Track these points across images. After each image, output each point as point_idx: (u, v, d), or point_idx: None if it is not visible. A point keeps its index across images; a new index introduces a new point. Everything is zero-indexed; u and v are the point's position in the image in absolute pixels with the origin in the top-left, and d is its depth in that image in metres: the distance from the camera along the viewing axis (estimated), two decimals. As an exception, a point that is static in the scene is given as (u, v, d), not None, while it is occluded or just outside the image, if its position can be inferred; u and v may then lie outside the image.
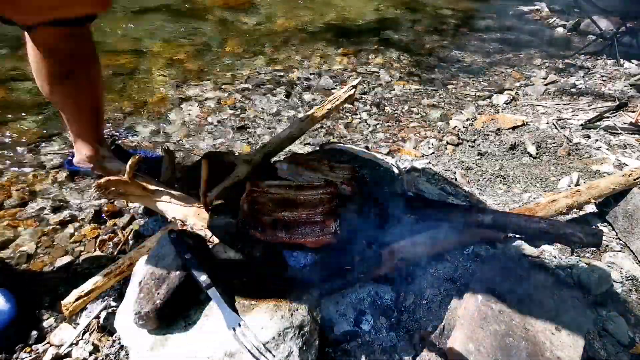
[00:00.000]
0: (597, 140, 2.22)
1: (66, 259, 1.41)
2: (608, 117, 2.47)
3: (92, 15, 1.30)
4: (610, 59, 3.46)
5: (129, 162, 1.23)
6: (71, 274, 1.36)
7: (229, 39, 3.33)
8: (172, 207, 1.27)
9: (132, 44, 3.04)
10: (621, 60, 3.37)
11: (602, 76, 3.14)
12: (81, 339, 1.15)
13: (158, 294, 0.93)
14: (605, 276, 1.28)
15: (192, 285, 0.96)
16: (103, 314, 1.19)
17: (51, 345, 1.14)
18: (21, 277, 1.35)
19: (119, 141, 2.00)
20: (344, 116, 2.43)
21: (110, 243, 1.49)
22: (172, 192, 1.32)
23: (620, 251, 1.46)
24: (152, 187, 1.31)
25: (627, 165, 1.98)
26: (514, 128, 2.34)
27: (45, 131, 2.05)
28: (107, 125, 2.13)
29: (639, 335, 1.16)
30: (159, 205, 1.31)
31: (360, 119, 2.43)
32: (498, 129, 2.33)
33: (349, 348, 1.00)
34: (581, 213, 1.64)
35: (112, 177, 1.25)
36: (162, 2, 3.88)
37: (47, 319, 1.21)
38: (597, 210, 1.64)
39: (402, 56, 3.31)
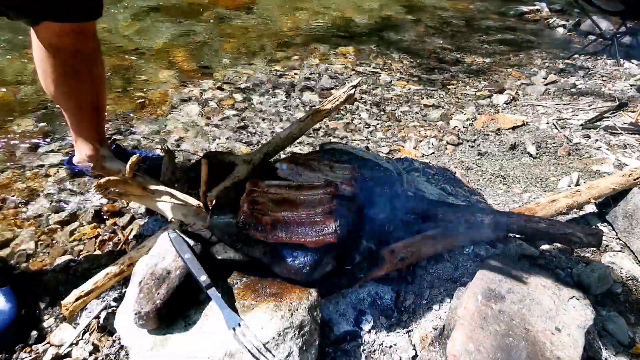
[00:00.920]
0: (597, 140, 2.22)
1: (66, 258, 1.41)
2: (608, 117, 2.47)
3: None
4: (610, 59, 3.46)
5: (129, 162, 1.23)
6: (71, 274, 1.36)
7: (229, 38, 3.33)
8: (172, 207, 1.27)
9: (132, 43, 3.04)
10: (621, 60, 3.37)
11: (602, 76, 3.15)
12: (81, 339, 1.15)
13: (158, 294, 0.93)
14: (605, 276, 1.28)
15: (192, 285, 0.96)
16: (103, 314, 1.19)
17: (51, 345, 1.14)
18: (21, 277, 1.35)
19: (119, 141, 2.00)
20: (344, 116, 2.43)
21: (110, 243, 1.48)
22: (172, 192, 1.31)
23: (620, 251, 1.46)
24: (152, 187, 1.31)
25: (627, 165, 1.98)
26: (514, 128, 2.34)
27: (45, 130, 2.05)
28: (108, 124, 2.13)
29: (639, 335, 1.16)
30: (159, 205, 1.30)
31: (360, 119, 2.43)
32: (498, 129, 2.33)
33: (349, 348, 1.00)
34: (581, 213, 1.64)
35: (112, 177, 1.25)
36: (163, 2, 3.88)
37: (47, 319, 1.21)
38: (597, 210, 1.64)
39: (402, 56, 3.31)
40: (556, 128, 2.34)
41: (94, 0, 1.32)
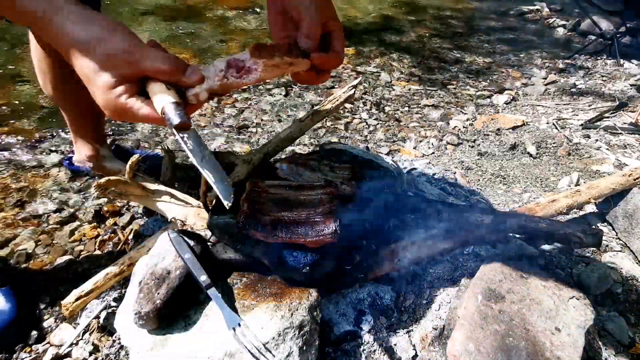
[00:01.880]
0: (597, 140, 2.22)
1: (66, 258, 1.41)
2: (608, 117, 2.47)
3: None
4: (610, 59, 3.46)
5: (129, 162, 1.23)
6: (71, 274, 1.36)
7: (230, 39, 3.33)
8: (172, 207, 1.27)
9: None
10: (621, 60, 3.37)
11: (602, 76, 3.15)
12: (81, 339, 1.15)
13: (158, 294, 0.93)
14: (605, 276, 1.28)
15: (192, 285, 0.96)
16: (103, 314, 1.19)
17: (51, 345, 1.14)
18: (21, 277, 1.35)
19: (119, 141, 2.00)
20: (344, 116, 2.43)
21: (110, 243, 1.49)
22: (172, 192, 1.31)
23: (620, 251, 1.46)
24: (152, 187, 1.31)
25: (627, 165, 1.98)
26: (514, 128, 2.34)
27: (45, 130, 2.05)
28: (107, 124, 2.13)
29: (639, 335, 1.16)
30: (159, 205, 1.30)
31: (360, 119, 2.43)
32: (498, 129, 2.33)
33: (349, 348, 1.00)
34: (581, 213, 1.64)
35: (112, 177, 1.25)
36: (164, 2, 3.88)
37: (47, 319, 1.21)
38: (597, 210, 1.64)
39: (402, 56, 3.31)
40: (556, 128, 2.34)
41: (91, 1, 1.32)
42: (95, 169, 1.61)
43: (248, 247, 1.04)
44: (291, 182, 1.21)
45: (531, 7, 4.81)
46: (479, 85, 2.96)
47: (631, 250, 1.45)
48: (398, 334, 1.05)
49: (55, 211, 1.60)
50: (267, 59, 0.67)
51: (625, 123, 2.36)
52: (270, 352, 0.85)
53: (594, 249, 1.45)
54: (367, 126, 2.36)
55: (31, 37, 1.32)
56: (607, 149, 2.14)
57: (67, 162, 1.77)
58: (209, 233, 1.14)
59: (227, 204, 0.69)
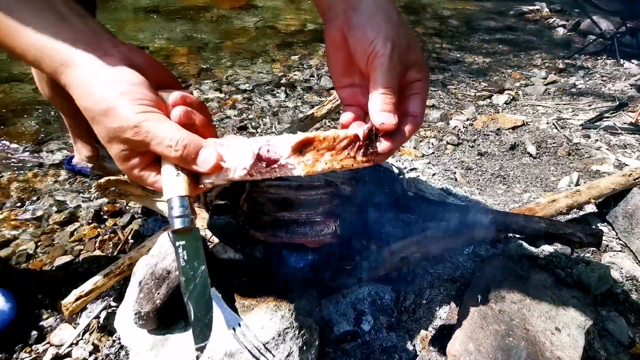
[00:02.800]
0: (597, 140, 2.22)
1: (66, 258, 1.41)
2: (608, 117, 2.47)
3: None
4: (610, 59, 3.46)
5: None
6: (71, 274, 1.36)
7: (230, 39, 3.33)
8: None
9: (132, 44, 3.04)
10: (621, 60, 3.38)
11: (602, 76, 3.15)
12: (81, 339, 1.15)
13: (158, 294, 0.93)
14: (605, 276, 1.28)
15: (192, 285, 0.96)
16: (103, 314, 1.19)
17: (51, 345, 1.14)
18: (21, 277, 1.35)
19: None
20: (344, 116, 2.43)
21: (110, 243, 1.49)
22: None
23: (620, 251, 1.46)
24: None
25: (627, 165, 1.98)
26: (514, 128, 2.34)
27: (45, 131, 2.05)
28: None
29: (639, 335, 1.16)
30: (159, 205, 1.31)
31: (360, 119, 2.43)
32: (498, 129, 2.33)
33: (349, 348, 1.00)
34: (581, 213, 1.64)
35: (112, 177, 1.25)
36: (164, 2, 3.88)
37: (47, 319, 1.21)
38: (597, 210, 1.64)
39: (402, 56, 3.31)
40: (556, 128, 2.34)
41: (87, 1, 1.32)
42: (95, 169, 1.61)
43: (248, 247, 1.04)
44: (291, 182, 1.21)
45: (531, 7, 4.81)
46: (479, 86, 2.96)
47: (631, 250, 1.45)
48: (398, 334, 1.05)
49: (55, 211, 1.60)
50: (308, 167, 0.51)
51: (625, 123, 2.36)
52: (270, 352, 0.85)
53: (594, 249, 1.45)
54: (367, 126, 2.36)
55: None
56: (607, 149, 2.14)
57: (67, 162, 1.77)
58: (209, 233, 1.14)
59: (197, 354, 0.58)
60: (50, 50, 0.52)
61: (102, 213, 1.60)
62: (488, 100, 2.75)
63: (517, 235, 1.39)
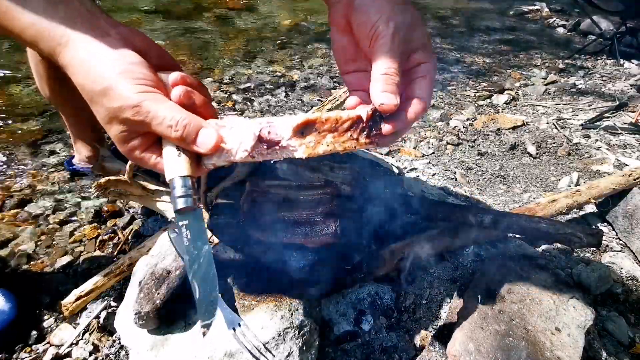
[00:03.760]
0: (597, 140, 2.22)
1: (66, 258, 1.41)
2: (608, 117, 2.47)
3: None
4: (610, 59, 3.46)
5: (129, 162, 1.23)
6: (71, 274, 1.36)
7: (229, 39, 3.33)
8: (172, 207, 1.27)
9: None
10: (621, 60, 3.38)
11: (602, 76, 3.15)
12: (81, 339, 1.15)
13: (158, 294, 0.93)
14: (605, 276, 1.28)
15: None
16: (103, 314, 1.19)
17: (51, 345, 1.14)
18: (21, 277, 1.35)
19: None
20: (344, 116, 2.43)
21: (110, 243, 1.49)
22: (172, 192, 1.31)
23: (620, 251, 1.46)
24: (152, 187, 1.31)
25: (627, 165, 1.98)
26: (514, 128, 2.34)
27: (45, 131, 2.05)
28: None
29: (639, 335, 1.16)
30: (159, 205, 1.31)
31: (360, 119, 2.43)
32: (498, 129, 2.33)
33: (349, 348, 1.00)
34: (581, 213, 1.64)
35: (112, 177, 1.25)
36: (163, 3, 3.88)
37: (47, 319, 1.21)
38: (597, 210, 1.64)
39: (402, 56, 3.31)
40: (556, 128, 2.34)
41: None
42: (95, 169, 1.61)
43: (248, 247, 1.04)
44: (291, 182, 1.21)
45: (531, 7, 4.81)
46: (478, 86, 2.96)
47: (631, 250, 1.45)
48: (398, 334, 1.05)
49: (55, 211, 1.60)
50: (310, 148, 0.51)
51: (625, 123, 2.36)
52: (270, 352, 0.85)
53: (594, 249, 1.45)
54: (367, 126, 2.36)
55: None
56: (607, 149, 2.14)
57: (67, 163, 1.77)
58: (209, 233, 1.14)
59: (203, 330, 0.59)
60: (48, 29, 0.51)
61: (102, 213, 1.60)
62: (488, 100, 2.75)
63: (517, 235, 1.39)
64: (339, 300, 1.08)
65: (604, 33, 3.75)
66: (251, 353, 0.84)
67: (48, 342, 1.15)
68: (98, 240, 1.49)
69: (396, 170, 1.51)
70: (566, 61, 3.44)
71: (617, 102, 2.60)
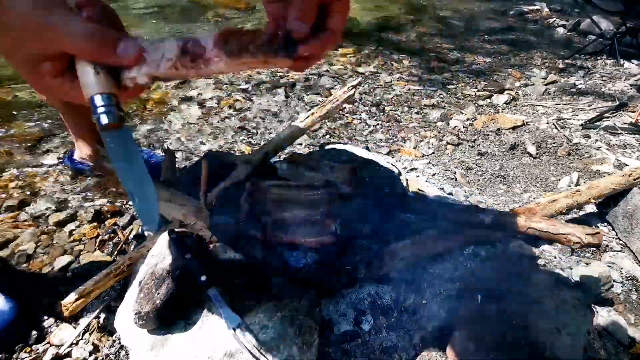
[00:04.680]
0: (597, 140, 2.22)
1: (66, 258, 1.41)
2: (608, 117, 2.47)
3: None
4: (610, 59, 3.46)
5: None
6: (71, 274, 1.36)
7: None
8: (172, 207, 1.27)
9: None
10: (621, 60, 3.37)
11: (602, 76, 3.15)
12: (81, 339, 1.15)
13: (158, 294, 0.93)
14: (605, 276, 1.28)
15: (192, 285, 0.96)
16: (103, 314, 1.19)
17: (51, 345, 1.14)
18: (21, 277, 1.35)
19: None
20: (344, 116, 2.43)
21: (110, 243, 1.48)
22: (172, 191, 1.32)
23: (620, 251, 1.46)
24: (152, 187, 1.31)
25: (627, 165, 1.98)
26: (514, 128, 2.34)
27: (45, 131, 2.05)
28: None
29: (639, 335, 1.16)
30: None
31: (360, 119, 2.43)
32: (498, 129, 2.33)
33: (349, 348, 1.00)
34: (581, 213, 1.64)
35: (112, 177, 1.25)
36: (164, 3, 3.88)
37: (47, 319, 1.21)
38: (597, 210, 1.64)
39: (402, 56, 3.31)
40: (556, 128, 2.34)
41: None
42: (96, 169, 1.61)
43: (248, 247, 1.04)
44: (291, 182, 1.21)
45: (531, 7, 4.81)
46: (479, 85, 2.96)
47: (631, 250, 1.45)
48: (398, 334, 1.05)
49: (55, 211, 1.60)
50: (233, 56, 0.52)
51: (625, 123, 2.36)
52: (270, 352, 0.85)
53: (594, 249, 1.45)
54: (367, 126, 2.36)
55: None
56: (607, 149, 2.14)
57: (67, 158, 1.77)
58: (209, 233, 1.14)
59: (147, 232, 0.59)
60: None
61: (102, 213, 1.60)
62: (488, 100, 2.75)
63: (517, 235, 1.39)
64: (339, 300, 1.08)
65: (604, 33, 3.75)
66: (251, 353, 0.84)
67: (48, 342, 1.15)
68: (98, 240, 1.49)
69: (396, 170, 1.51)
70: (566, 61, 3.44)
71: (617, 102, 2.60)
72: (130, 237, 1.50)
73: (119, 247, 1.46)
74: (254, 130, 2.24)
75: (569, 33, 4.22)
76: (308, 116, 1.67)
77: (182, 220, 1.23)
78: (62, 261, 1.40)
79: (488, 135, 2.28)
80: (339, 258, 1.08)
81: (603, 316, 1.19)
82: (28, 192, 1.68)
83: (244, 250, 1.05)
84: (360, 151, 1.64)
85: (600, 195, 1.52)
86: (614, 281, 1.31)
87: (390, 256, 1.15)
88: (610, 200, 1.57)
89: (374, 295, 1.10)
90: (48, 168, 1.82)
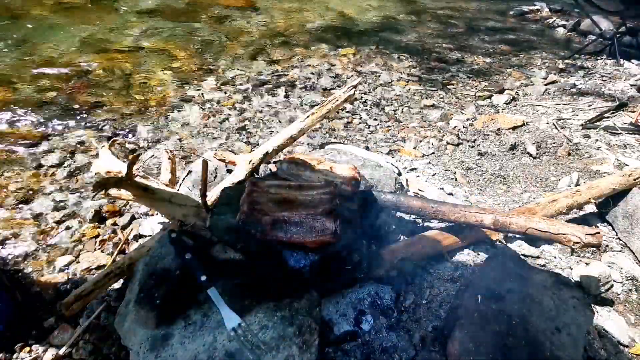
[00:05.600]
0: (597, 140, 2.22)
1: (66, 258, 1.41)
2: (608, 117, 2.47)
3: None
4: (610, 59, 3.46)
5: (128, 162, 1.23)
6: (71, 274, 1.36)
7: (230, 39, 3.33)
8: (172, 207, 1.27)
9: (133, 44, 3.04)
10: (621, 60, 3.37)
11: (602, 76, 3.14)
12: (81, 339, 1.15)
13: (158, 294, 0.93)
14: (605, 276, 1.28)
15: (192, 285, 0.96)
16: (103, 314, 1.19)
17: (51, 345, 1.14)
18: (21, 277, 1.35)
19: (119, 142, 2.01)
20: (344, 116, 2.43)
21: (110, 243, 1.48)
22: (172, 192, 1.31)
23: (620, 251, 1.46)
24: (152, 187, 1.31)
25: (627, 165, 1.98)
26: (514, 128, 2.34)
27: (45, 131, 2.05)
28: (108, 125, 2.13)
29: (639, 335, 1.16)
30: (158, 205, 1.30)
31: (360, 119, 2.43)
32: (498, 129, 2.33)
33: (349, 348, 1.00)
34: (581, 213, 1.64)
35: (111, 177, 1.25)
36: (163, 2, 3.88)
37: (47, 319, 1.21)
38: (597, 210, 1.64)
39: (402, 56, 3.31)
40: (556, 128, 2.33)
41: None
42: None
43: (248, 247, 1.04)
44: (291, 182, 1.21)
45: (531, 7, 4.81)
46: (479, 86, 2.96)
47: (631, 250, 1.45)
48: (398, 334, 1.05)
49: (55, 211, 1.60)
50: None
51: (625, 123, 2.36)
52: (270, 352, 0.85)
53: (594, 249, 1.45)
54: (367, 126, 2.36)
55: None
56: (607, 149, 2.14)
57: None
58: (209, 233, 1.14)
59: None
60: None
61: (102, 213, 1.60)
62: (488, 100, 2.75)
63: (517, 235, 1.39)
64: (339, 300, 1.08)
65: (604, 33, 3.75)
66: (251, 353, 0.84)
67: (48, 342, 1.15)
68: (98, 240, 1.49)
69: (396, 170, 1.51)
70: (566, 61, 3.44)
71: (617, 102, 2.60)
72: (130, 237, 1.50)
73: (119, 247, 1.46)
74: (254, 130, 2.24)
75: (569, 33, 4.22)
76: (308, 116, 1.67)
77: (182, 220, 1.23)
78: (62, 261, 1.40)
79: (488, 135, 2.28)
80: (338, 258, 1.08)
81: (603, 316, 1.19)
82: (28, 192, 1.68)
83: (244, 250, 1.05)
84: (360, 151, 1.64)
85: (600, 195, 1.52)
86: (614, 281, 1.31)
87: (391, 256, 1.15)
88: (610, 200, 1.57)
89: (374, 295, 1.10)
90: (48, 168, 1.82)
